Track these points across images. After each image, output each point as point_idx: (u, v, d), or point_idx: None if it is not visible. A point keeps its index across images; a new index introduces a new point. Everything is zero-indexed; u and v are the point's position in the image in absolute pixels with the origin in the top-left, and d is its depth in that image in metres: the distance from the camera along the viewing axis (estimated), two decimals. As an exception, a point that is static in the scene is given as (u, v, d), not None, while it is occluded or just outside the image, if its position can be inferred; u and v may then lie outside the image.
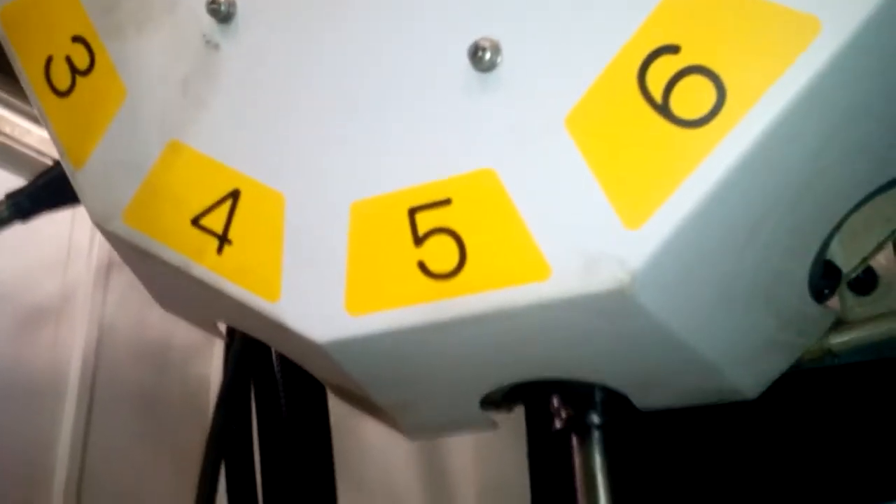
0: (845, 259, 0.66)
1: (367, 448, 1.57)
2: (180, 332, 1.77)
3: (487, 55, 0.52)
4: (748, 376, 0.63)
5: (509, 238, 0.52)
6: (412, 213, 0.55)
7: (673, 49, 0.48)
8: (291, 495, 1.00)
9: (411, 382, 0.62)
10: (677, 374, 0.61)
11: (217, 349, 1.77)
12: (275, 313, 0.58)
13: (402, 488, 1.55)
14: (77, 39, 0.64)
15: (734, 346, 0.59)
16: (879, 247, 0.67)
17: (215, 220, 0.60)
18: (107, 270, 1.72)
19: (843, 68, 0.46)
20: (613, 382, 0.63)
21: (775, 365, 0.64)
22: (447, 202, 0.54)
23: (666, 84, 0.48)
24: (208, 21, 0.60)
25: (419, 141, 0.55)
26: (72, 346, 1.65)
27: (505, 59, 0.52)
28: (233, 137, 0.60)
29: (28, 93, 0.69)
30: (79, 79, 0.64)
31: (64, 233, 1.68)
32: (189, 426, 1.75)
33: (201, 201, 0.60)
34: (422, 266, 0.54)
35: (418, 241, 0.54)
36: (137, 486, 1.68)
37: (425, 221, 0.54)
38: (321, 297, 0.57)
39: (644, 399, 0.65)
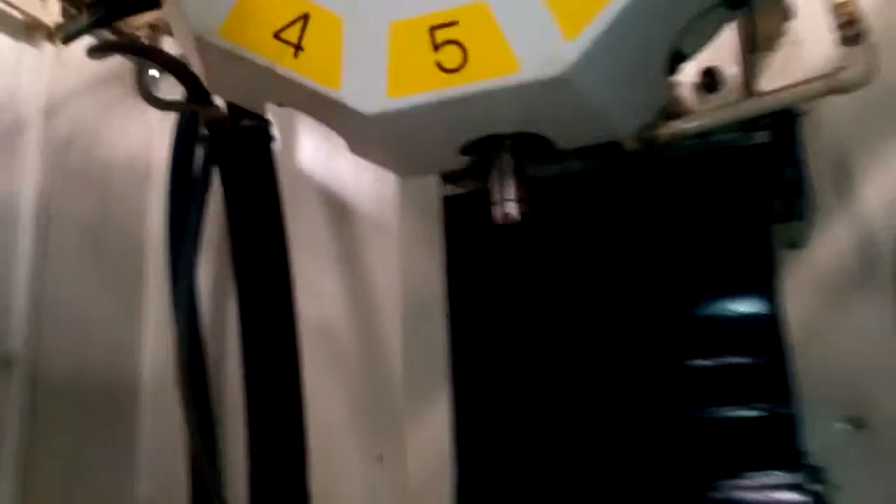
0: (691, 48, 1.03)
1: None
2: (119, 167, 1.97)
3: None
4: (628, 125, 1.02)
5: (495, 47, 0.85)
6: (432, 30, 0.86)
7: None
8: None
9: (421, 143, 0.97)
10: (590, 122, 0.98)
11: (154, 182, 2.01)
12: (339, 97, 0.90)
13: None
14: None
15: (625, 104, 0.97)
16: (711, 38, 1.03)
17: (291, 34, 0.89)
18: (53, 108, 1.79)
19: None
20: (547, 132, 0.99)
21: (643, 118, 1.03)
22: (455, 23, 0.85)
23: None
24: None
25: (438, -16, 0.85)
26: (24, 179, 1.73)
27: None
28: (302, -24, 0.87)
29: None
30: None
31: (9, 71, 1.72)
32: (128, 253, 1.97)
33: (280, 21, 0.88)
34: (438, 64, 0.87)
35: (436, 48, 0.86)
36: (88, 311, 1.83)
37: (441, 36, 0.86)
38: (370, 85, 0.89)
39: (563, 142, 1.03)
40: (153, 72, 1.79)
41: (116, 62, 2.00)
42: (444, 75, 0.87)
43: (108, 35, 1.70)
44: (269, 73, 0.91)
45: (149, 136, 2.11)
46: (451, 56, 0.86)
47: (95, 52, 1.45)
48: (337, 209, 1.85)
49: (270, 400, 1.32)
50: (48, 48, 1.84)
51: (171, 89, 1.92)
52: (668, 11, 0.88)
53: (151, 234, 2.05)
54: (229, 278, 1.72)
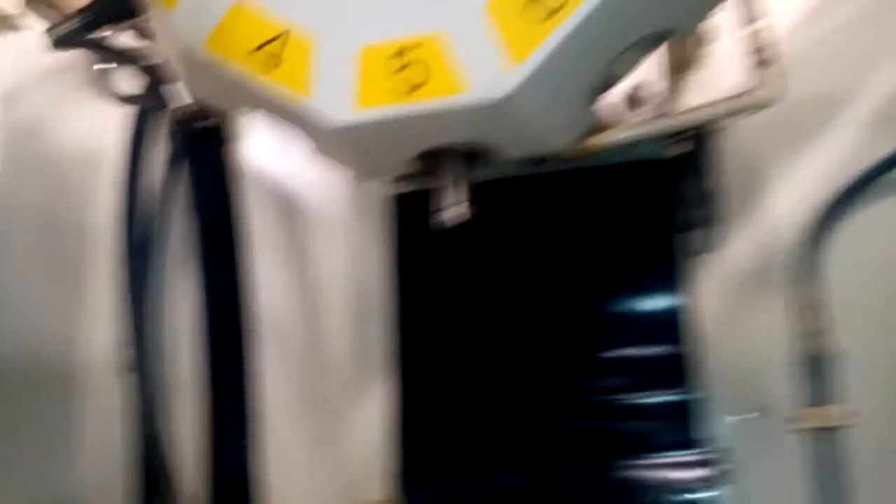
0: (621, 72, 1.17)
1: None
2: (72, 157, 1.99)
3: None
4: (563, 140, 1.16)
5: (451, 70, 0.98)
6: (399, 51, 0.98)
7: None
8: None
9: (380, 151, 1.09)
10: (528, 140, 1.12)
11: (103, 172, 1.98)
12: (308, 105, 1.01)
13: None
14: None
15: (562, 121, 1.11)
16: (638, 63, 1.17)
17: (271, 49, 0.99)
18: (11, 97, 1.82)
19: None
20: (493, 144, 1.12)
21: (576, 133, 1.17)
22: (419, 47, 0.98)
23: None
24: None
25: (405, 11, 0.97)
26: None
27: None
28: (283, -2, 0.98)
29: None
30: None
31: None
32: (78, 243, 1.97)
33: (262, 37, 0.99)
34: (401, 83, 0.99)
35: (402, 67, 0.99)
36: (41, 301, 1.88)
37: (405, 57, 0.98)
38: (339, 98, 1.00)
39: (505, 153, 1.16)
40: (109, 65, 1.85)
41: (72, 53, 2.05)
42: (406, 93, 0.99)
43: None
44: (248, 83, 1.02)
45: (101, 127, 2.16)
46: (412, 76, 0.98)
47: (61, 43, 1.51)
48: (285, 205, 1.94)
49: (225, 385, 1.42)
50: (7, 38, 1.88)
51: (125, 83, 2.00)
52: (602, 43, 1.02)
53: (100, 224, 2.11)
54: (182, 266, 1.79)
